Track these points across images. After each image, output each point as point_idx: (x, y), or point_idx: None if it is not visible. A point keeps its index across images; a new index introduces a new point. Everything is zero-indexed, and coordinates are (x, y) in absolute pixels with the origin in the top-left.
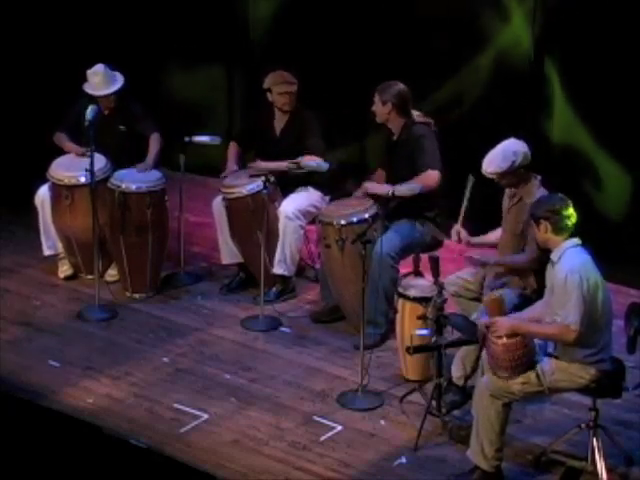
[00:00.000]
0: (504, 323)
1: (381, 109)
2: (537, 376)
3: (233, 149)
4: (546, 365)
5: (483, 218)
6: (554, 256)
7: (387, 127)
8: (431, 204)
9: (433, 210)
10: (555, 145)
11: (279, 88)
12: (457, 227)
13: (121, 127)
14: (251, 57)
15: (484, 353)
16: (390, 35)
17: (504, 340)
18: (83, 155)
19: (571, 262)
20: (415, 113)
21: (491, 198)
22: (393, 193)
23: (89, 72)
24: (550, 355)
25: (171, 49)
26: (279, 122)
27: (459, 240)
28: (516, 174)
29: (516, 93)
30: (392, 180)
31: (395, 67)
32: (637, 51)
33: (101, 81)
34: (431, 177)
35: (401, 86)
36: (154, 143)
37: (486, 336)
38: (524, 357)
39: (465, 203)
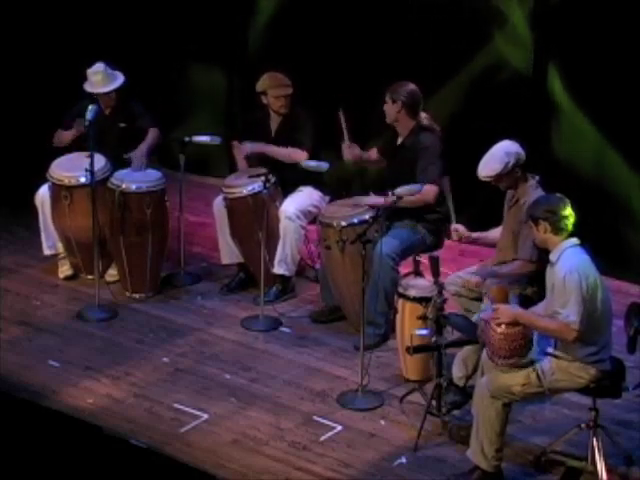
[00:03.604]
0: (507, 310)
1: (391, 107)
2: (537, 376)
3: (238, 147)
4: (546, 365)
5: (485, 220)
6: (553, 256)
7: (394, 128)
8: (433, 207)
9: (434, 213)
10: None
11: (275, 92)
12: (454, 225)
13: (121, 124)
14: (249, 58)
15: (484, 353)
16: (388, 36)
17: (503, 329)
18: (82, 133)
19: (570, 262)
20: (422, 115)
21: (493, 199)
22: (393, 193)
23: (89, 71)
24: (550, 355)
25: (170, 50)
26: (274, 123)
27: (460, 238)
28: (512, 175)
29: (517, 96)
30: (391, 181)
31: (393, 68)
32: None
33: (101, 79)
34: (430, 192)
35: (413, 86)
36: (150, 135)
37: (487, 323)
38: (522, 348)
39: (450, 202)
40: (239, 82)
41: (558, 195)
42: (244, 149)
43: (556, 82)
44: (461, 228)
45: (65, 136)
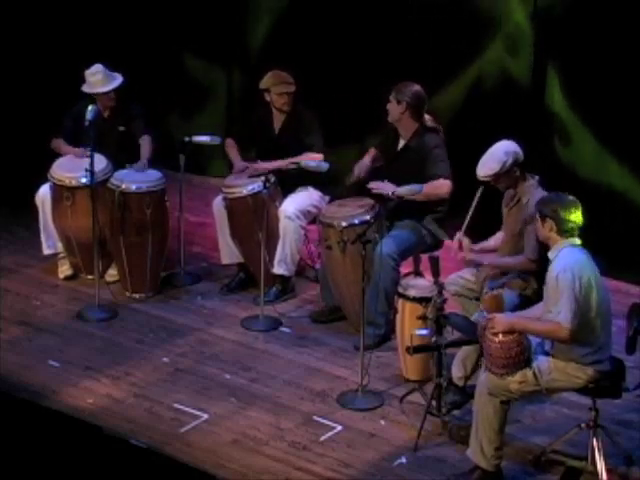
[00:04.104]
0: (502, 320)
1: (395, 108)
2: (534, 375)
3: (233, 146)
4: (543, 364)
5: (485, 226)
6: (551, 254)
7: (395, 130)
8: (434, 207)
9: (435, 213)
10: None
11: (278, 89)
12: (460, 235)
13: (120, 127)
14: (250, 57)
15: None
16: (388, 36)
17: (500, 337)
18: (83, 155)
19: (564, 261)
20: (426, 117)
21: (493, 205)
22: (394, 193)
23: (87, 72)
24: (547, 354)
25: (170, 49)
26: (277, 121)
27: (460, 247)
28: (510, 174)
29: (517, 97)
30: (394, 182)
31: (393, 68)
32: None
33: (100, 79)
34: (444, 185)
35: (418, 87)
36: (145, 144)
37: (483, 333)
38: (519, 355)
39: (470, 212)
40: (240, 81)
41: (571, 197)
42: (260, 167)
43: (556, 82)
44: (465, 240)
45: (65, 150)
